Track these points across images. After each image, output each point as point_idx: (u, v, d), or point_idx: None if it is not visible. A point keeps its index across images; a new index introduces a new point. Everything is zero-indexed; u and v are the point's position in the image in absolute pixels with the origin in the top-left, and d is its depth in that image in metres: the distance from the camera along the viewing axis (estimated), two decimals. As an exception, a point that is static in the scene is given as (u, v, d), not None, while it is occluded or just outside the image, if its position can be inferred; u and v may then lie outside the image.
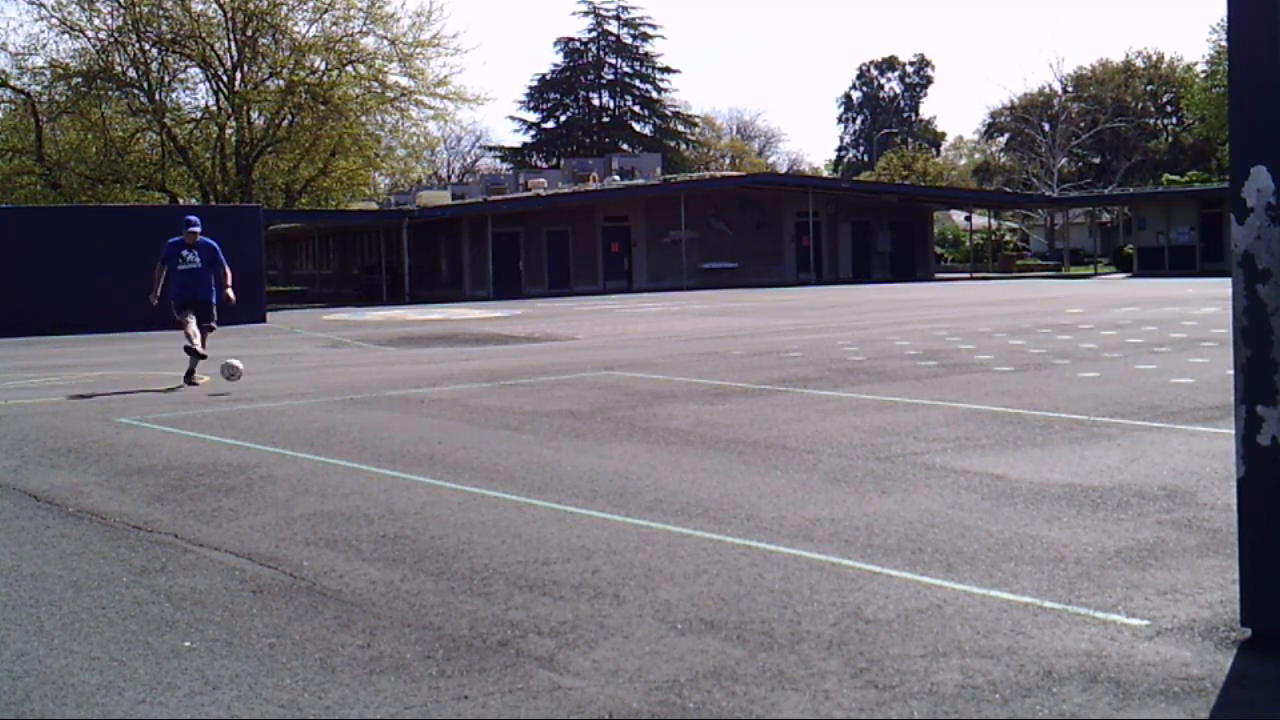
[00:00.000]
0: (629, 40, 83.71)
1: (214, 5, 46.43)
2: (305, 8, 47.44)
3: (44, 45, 57.10)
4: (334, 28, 47.70)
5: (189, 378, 13.77)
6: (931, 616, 4.65)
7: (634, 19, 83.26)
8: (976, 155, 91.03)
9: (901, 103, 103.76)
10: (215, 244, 14.57)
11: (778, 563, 5.48)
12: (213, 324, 14.45)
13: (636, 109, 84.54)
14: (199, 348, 13.87)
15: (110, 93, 46.86)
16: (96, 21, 46.07)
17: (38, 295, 26.77)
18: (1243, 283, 4.21)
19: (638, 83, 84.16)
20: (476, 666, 4.26)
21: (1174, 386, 11.06)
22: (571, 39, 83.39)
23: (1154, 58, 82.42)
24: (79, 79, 45.75)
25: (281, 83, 47.25)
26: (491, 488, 7.33)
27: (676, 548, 5.79)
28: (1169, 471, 7.20)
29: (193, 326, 14.00)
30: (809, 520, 6.27)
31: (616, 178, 48.93)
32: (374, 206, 53.76)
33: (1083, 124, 75.24)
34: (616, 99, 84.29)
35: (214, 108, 48.11)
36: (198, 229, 14.43)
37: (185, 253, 14.34)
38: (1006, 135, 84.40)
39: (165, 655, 4.49)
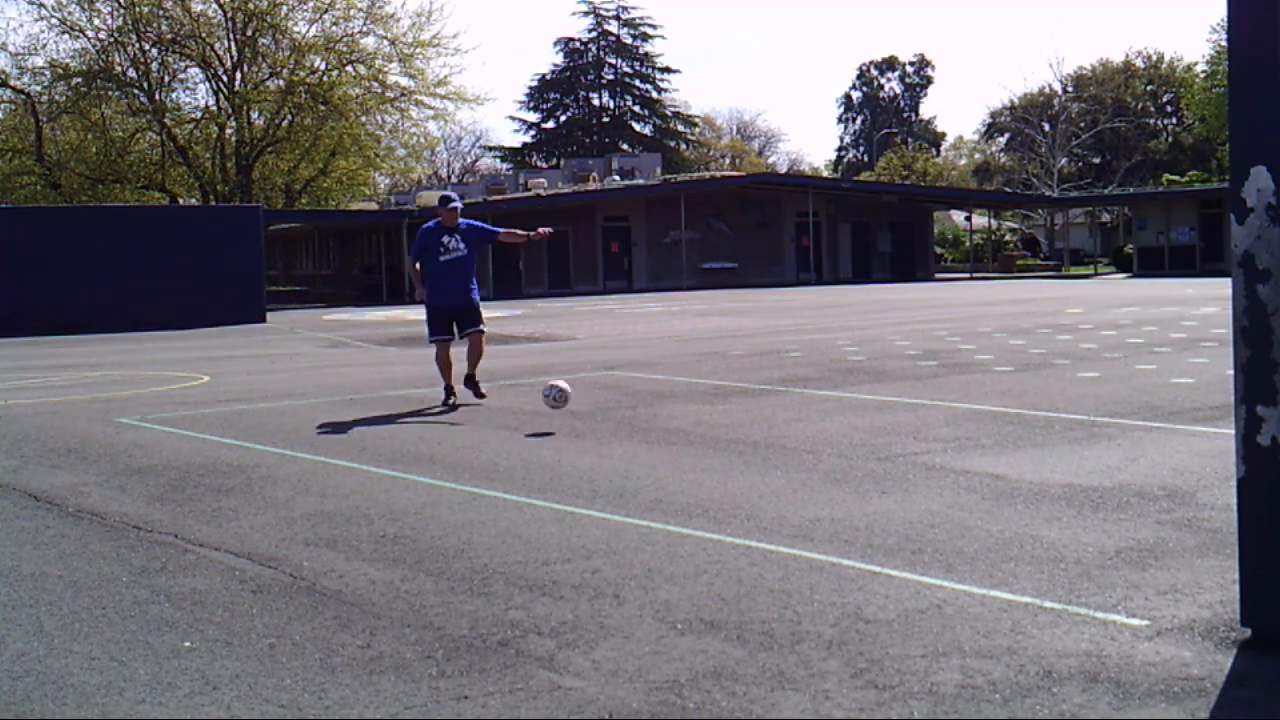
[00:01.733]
0: (629, 40, 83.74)
1: (214, 5, 46.48)
2: (305, 8, 47.54)
3: (44, 45, 57.24)
4: (334, 28, 47.81)
5: (450, 397, 11.27)
6: (931, 616, 4.65)
7: (634, 19, 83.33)
8: (976, 155, 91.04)
9: (901, 103, 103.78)
10: (476, 221, 11.79)
11: (778, 563, 5.47)
12: (482, 326, 11.57)
13: (636, 109, 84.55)
14: (470, 388, 11.32)
15: (110, 93, 46.92)
16: (96, 21, 46.19)
17: (38, 295, 26.79)
18: (1243, 283, 4.21)
19: (638, 83, 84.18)
20: (476, 666, 4.25)
21: (1174, 386, 11.06)
22: (571, 39, 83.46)
23: (1154, 58, 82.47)
24: (79, 79, 45.80)
25: (281, 83, 47.31)
26: (491, 488, 7.33)
27: (676, 548, 5.79)
28: (1169, 471, 7.20)
29: (449, 353, 11.42)
30: (809, 520, 6.27)
31: (616, 178, 48.95)
32: (374, 206, 53.82)
33: (1083, 124, 75.27)
34: (616, 99, 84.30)
35: (214, 108, 48.17)
36: (459, 205, 11.44)
37: (446, 239, 11.33)
38: (1006, 135, 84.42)
39: (165, 655, 4.48)
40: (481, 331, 11.47)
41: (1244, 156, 4.21)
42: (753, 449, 8.45)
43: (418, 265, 11.49)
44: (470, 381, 11.37)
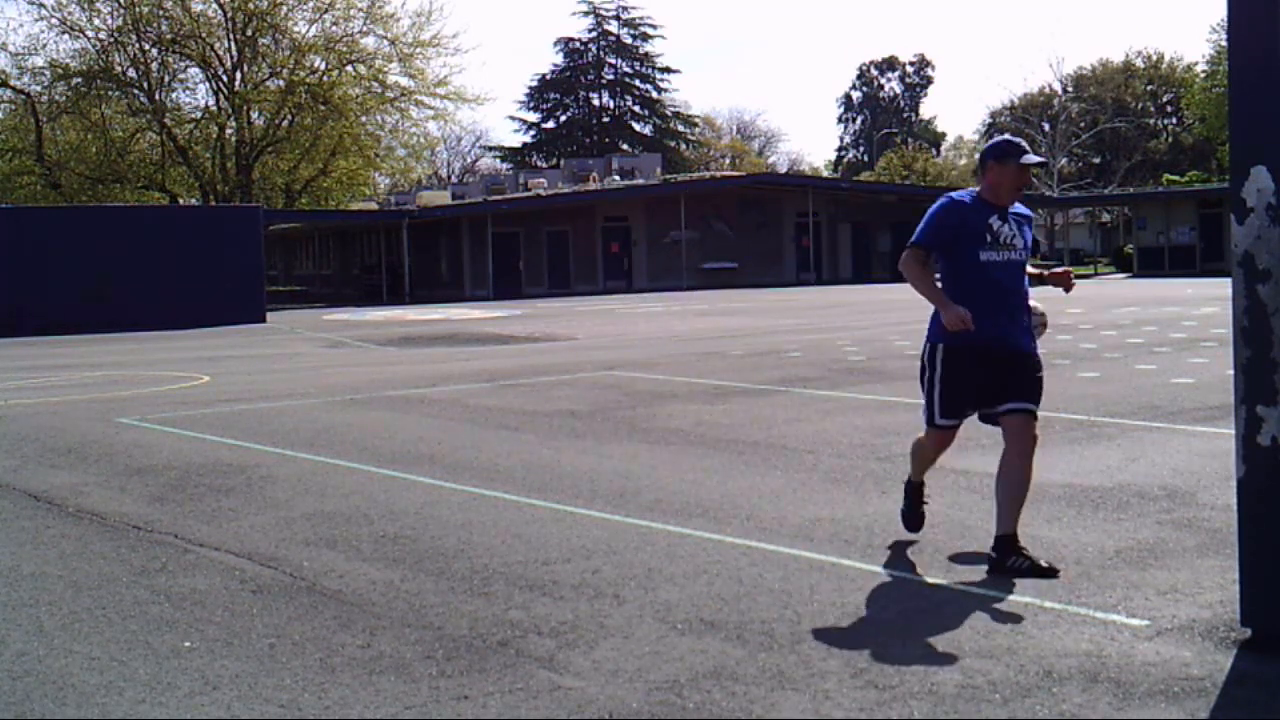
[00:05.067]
0: (629, 40, 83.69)
1: (214, 5, 46.47)
2: (305, 8, 47.52)
3: (44, 45, 57.24)
4: (334, 28, 47.80)
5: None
6: (931, 616, 4.65)
7: (634, 19, 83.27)
8: (976, 155, 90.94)
9: (901, 103, 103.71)
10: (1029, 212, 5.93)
11: (778, 563, 5.47)
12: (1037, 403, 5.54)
13: (636, 109, 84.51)
14: (1004, 550, 5.32)
15: (110, 93, 46.91)
16: (96, 21, 46.16)
17: (38, 295, 26.79)
18: (1243, 283, 4.21)
19: (638, 83, 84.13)
20: (476, 666, 4.25)
21: (1174, 386, 11.06)
22: (571, 39, 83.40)
23: (1154, 58, 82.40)
24: (79, 79, 45.79)
25: (281, 83, 47.29)
26: (491, 488, 7.33)
27: (676, 548, 5.79)
28: (1169, 471, 7.20)
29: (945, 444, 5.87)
30: (809, 520, 6.27)
31: (616, 178, 48.91)
32: (374, 206, 53.78)
33: (1083, 124, 75.23)
34: (616, 99, 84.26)
35: (214, 108, 48.15)
36: (1034, 163, 5.72)
37: (995, 222, 5.55)
38: (1006, 135, 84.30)
39: (165, 655, 4.48)
40: (1035, 413, 5.50)
41: (1244, 156, 4.21)
42: (753, 449, 8.45)
43: (935, 262, 5.64)
44: (1008, 542, 5.37)
